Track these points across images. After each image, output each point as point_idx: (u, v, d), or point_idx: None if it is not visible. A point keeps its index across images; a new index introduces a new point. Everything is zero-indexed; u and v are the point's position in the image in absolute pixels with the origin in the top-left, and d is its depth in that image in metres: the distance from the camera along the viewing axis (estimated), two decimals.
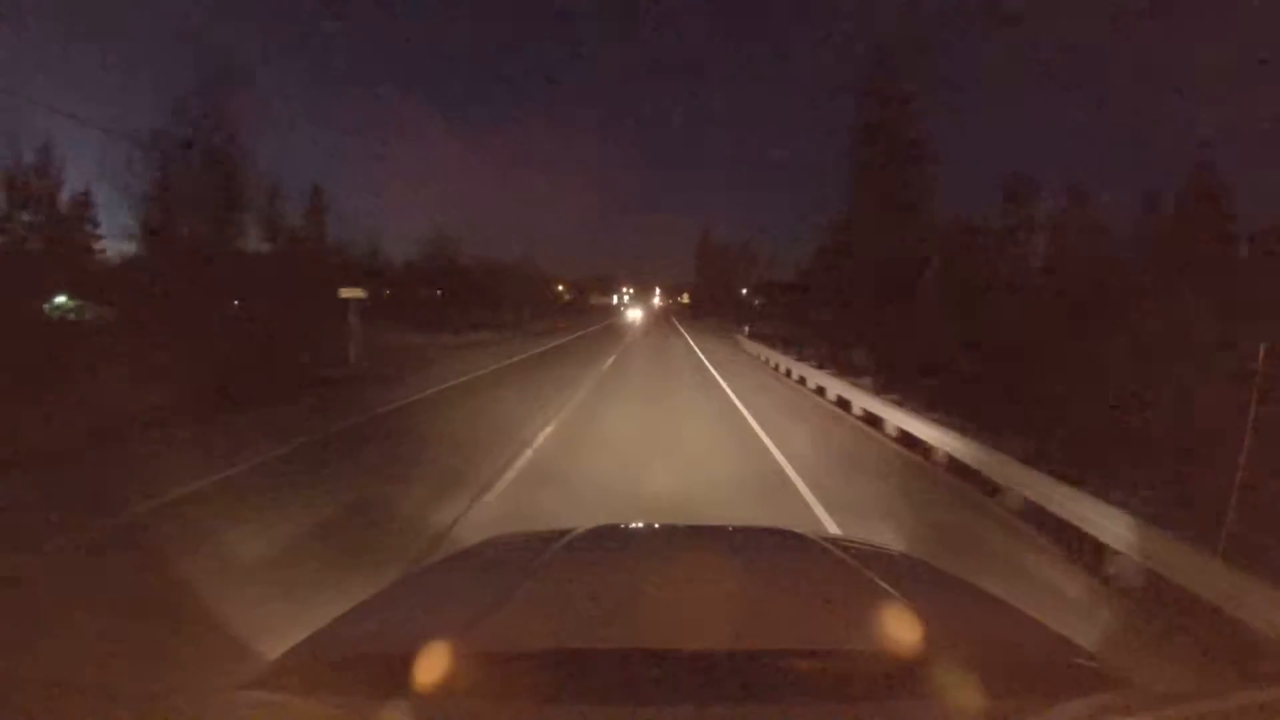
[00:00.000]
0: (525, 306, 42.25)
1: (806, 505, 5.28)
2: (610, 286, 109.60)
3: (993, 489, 5.62)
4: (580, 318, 54.60)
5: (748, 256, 66.39)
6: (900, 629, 0.98)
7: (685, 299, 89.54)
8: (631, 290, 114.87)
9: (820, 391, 12.12)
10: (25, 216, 15.64)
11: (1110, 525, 3.94)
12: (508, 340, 26.44)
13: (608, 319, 49.82)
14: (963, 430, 6.65)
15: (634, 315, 54.38)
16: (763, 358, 19.30)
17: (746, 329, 30.20)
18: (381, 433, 8.02)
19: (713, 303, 66.84)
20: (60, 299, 15.09)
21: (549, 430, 8.03)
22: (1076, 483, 4.55)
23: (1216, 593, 3.12)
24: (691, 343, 27.48)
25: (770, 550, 1.66)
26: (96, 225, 20.75)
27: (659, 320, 59.54)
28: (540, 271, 56.34)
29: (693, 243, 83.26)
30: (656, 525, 1.94)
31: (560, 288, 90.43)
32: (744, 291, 70.31)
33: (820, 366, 14.26)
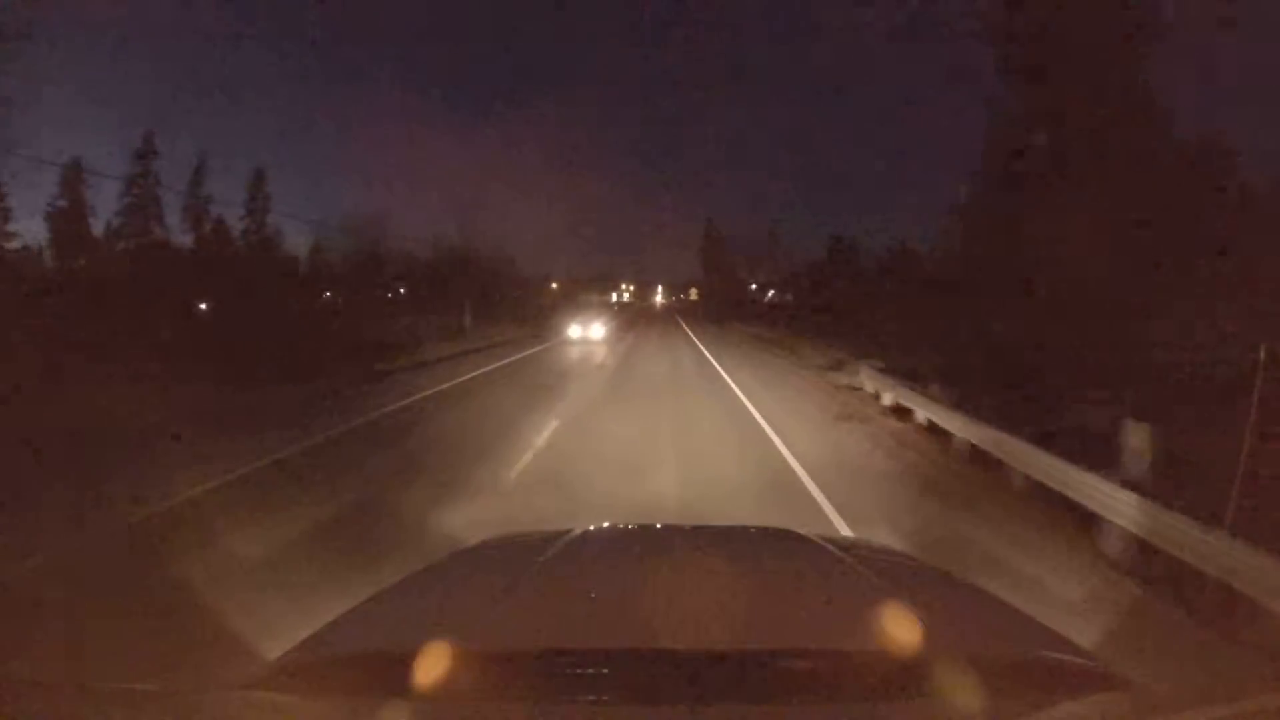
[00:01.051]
0: (465, 307, 30.11)
1: None
2: (609, 284, 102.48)
3: None
4: (554, 325, 34.60)
5: (768, 246, 57.37)
6: (900, 629, 0.99)
7: (694, 295, 77.45)
8: (631, 287, 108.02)
9: None
10: None
11: None
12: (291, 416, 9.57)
13: (584, 327, 28.04)
14: None
15: (585, 332, 26.34)
16: None
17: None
18: None
19: (727, 300, 57.77)
20: None
21: None
22: None
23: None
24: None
25: (770, 550, 1.68)
26: None
27: (657, 327, 37.75)
28: (509, 262, 44.44)
29: (695, 238, 75.78)
30: (657, 525, 1.94)
31: (554, 285, 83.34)
32: (752, 286, 63.03)
33: None
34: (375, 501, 5.46)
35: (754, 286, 60.49)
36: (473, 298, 30.48)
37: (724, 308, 51.00)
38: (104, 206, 28.72)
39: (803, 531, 1.80)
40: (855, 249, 42.39)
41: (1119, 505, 4.31)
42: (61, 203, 25.30)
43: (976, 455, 6.77)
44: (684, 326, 37.87)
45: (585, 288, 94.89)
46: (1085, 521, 4.78)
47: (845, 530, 4.96)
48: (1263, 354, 3.41)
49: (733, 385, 12.69)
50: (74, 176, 24.09)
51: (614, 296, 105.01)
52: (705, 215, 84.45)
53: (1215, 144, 12.58)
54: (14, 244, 21.07)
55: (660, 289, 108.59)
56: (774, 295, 58.86)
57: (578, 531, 1.67)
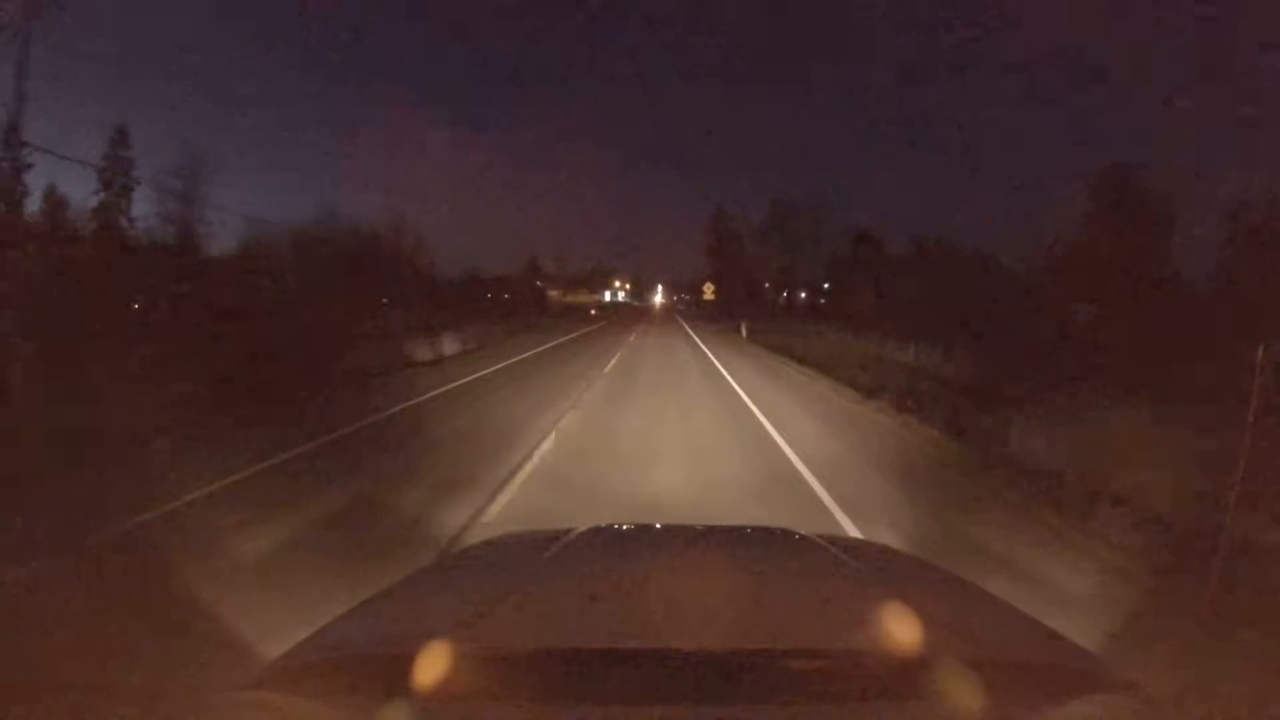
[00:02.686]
0: None
1: None
2: (602, 281, 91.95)
3: None
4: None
5: (811, 230, 44.95)
6: (900, 629, 1.03)
7: (709, 293, 56.17)
8: (628, 286, 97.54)
9: None
10: None
11: None
12: None
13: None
14: None
15: None
16: None
17: None
18: None
19: (739, 300, 45.92)
20: None
21: None
22: None
23: None
24: None
25: (770, 550, 1.70)
26: None
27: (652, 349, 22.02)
28: (421, 247, 30.00)
29: (696, 234, 63.22)
30: (657, 525, 1.98)
31: (538, 283, 72.69)
32: (766, 285, 54.75)
33: None
34: None
35: (767, 285, 53.84)
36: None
37: (763, 314, 38.88)
38: None
39: (803, 531, 1.82)
40: (880, 244, 39.09)
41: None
42: None
43: None
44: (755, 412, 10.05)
45: (572, 287, 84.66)
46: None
47: None
48: (1261, 354, 3.31)
49: None
50: None
51: (607, 296, 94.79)
52: (709, 210, 71.70)
53: None
54: None
55: (660, 288, 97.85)
56: (788, 295, 50.90)
57: (579, 531, 1.71)
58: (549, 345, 23.42)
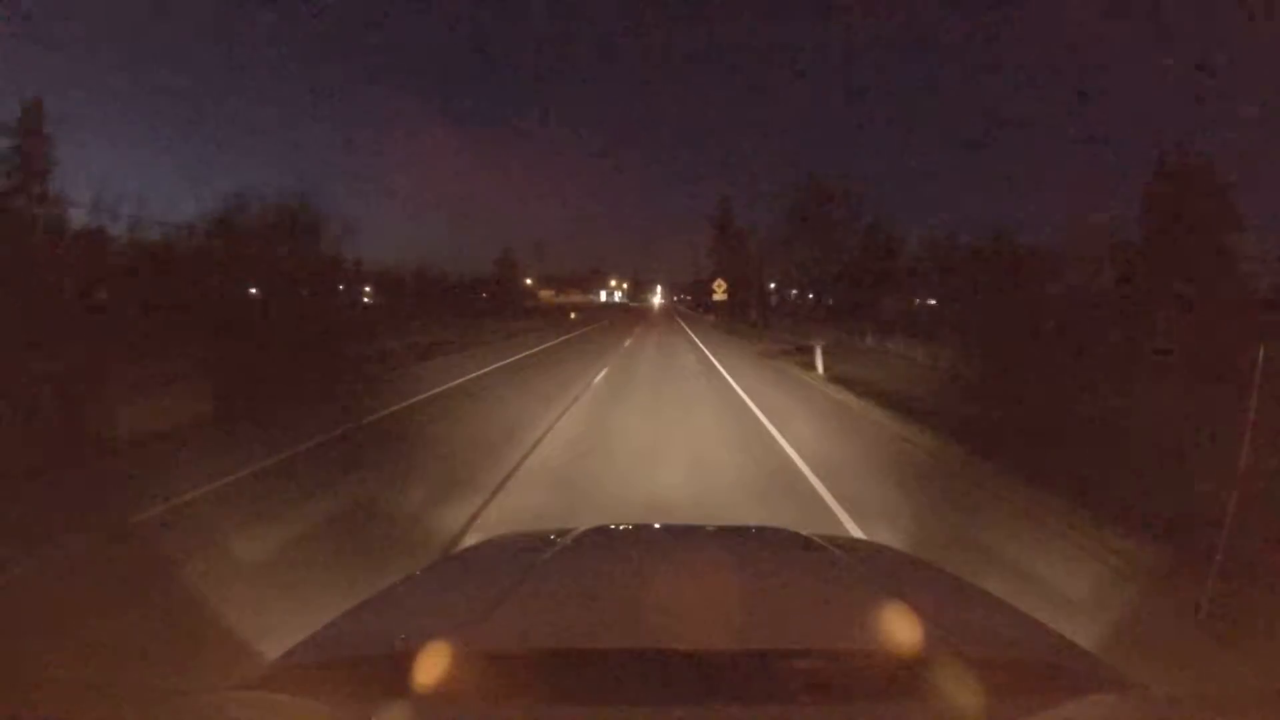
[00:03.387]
0: None
1: None
2: (599, 281, 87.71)
3: None
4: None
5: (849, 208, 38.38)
6: (900, 629, 1.04)
7: (720, 291, 43.88)
8: (625, 285, 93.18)
9: None
10: None
11: None
12: None
13: None
14: None
15: None
16: None
17: None
18: None
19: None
20: None
21: None
22: None
23: None
24: None
25: (770, 550, 1.72)
26: None
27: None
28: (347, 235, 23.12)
29: (694, 234, 57.85)
30: (656, 525, 1.99)
31: (528, 281, 68.69)
32: (773, 285, 49.70)
33: None
34: None
35: (773, 285, 49.89)
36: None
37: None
38: None
39: (803, 532, 1.83)
40: (896, 241, 35.18)
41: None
42: None
43: None
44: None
45: (566, 287, 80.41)
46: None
47: None
48: (1261, 353, 3.34)
49: None
50: None
51: (603, 296, 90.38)
52: (709, 208, 65.79)
53: None
54: None
55: (659, 288, 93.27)
56: (797, 294, 47.35)
57: (579, 531, 1.72)
58: (382, 414, 9.22)
